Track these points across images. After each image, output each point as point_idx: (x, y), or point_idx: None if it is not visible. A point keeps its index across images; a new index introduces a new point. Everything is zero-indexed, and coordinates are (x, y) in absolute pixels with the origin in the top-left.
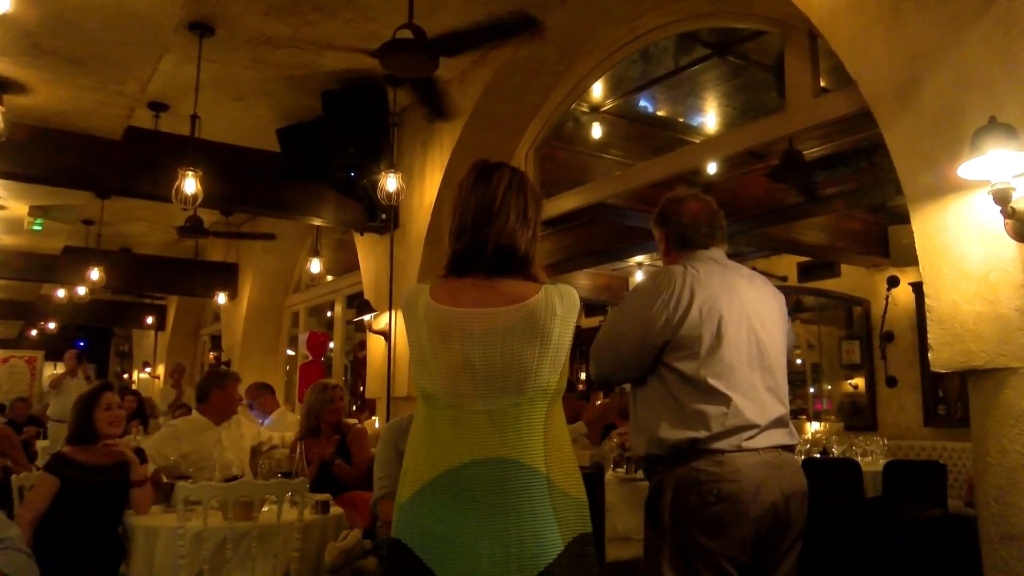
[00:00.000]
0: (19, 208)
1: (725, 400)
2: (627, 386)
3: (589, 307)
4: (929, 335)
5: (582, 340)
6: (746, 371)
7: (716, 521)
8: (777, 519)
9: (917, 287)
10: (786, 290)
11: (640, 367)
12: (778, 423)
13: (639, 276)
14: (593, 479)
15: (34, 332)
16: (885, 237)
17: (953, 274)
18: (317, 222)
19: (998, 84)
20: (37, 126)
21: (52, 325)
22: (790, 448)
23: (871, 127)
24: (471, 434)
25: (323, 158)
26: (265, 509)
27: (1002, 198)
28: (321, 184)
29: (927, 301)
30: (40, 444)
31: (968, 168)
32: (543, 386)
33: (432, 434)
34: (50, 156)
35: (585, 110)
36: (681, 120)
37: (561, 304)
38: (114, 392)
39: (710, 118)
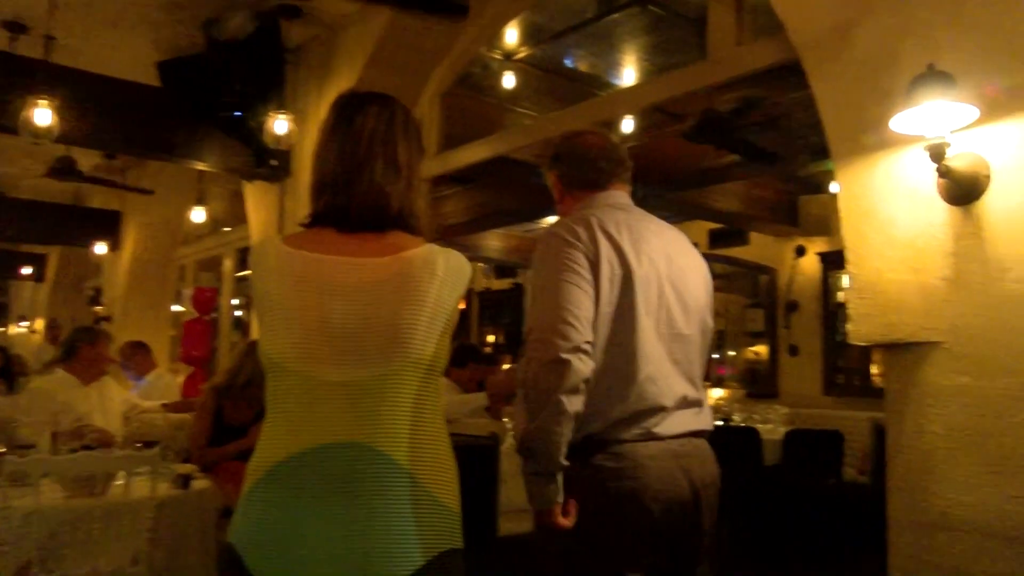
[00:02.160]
0: None
1: (629, 378)
2: None
3: (500, 269)
4: (848, 305)
5: (491, 303)
6: (654, 341)
7: (615, 525)
8: (685, 518)
9: (824, 257)
10: None
11: None
12: (685, 403)
13: None
14: (487, 451)
15: None
16: (795, 206)
17: (878, 239)
18: (201, 166)
19: (936, 30)
20: None
21: None
22: (702, 434)
23: (791, 88)
24: (322, 413)
25: (208, 96)
26: (120, 482)
27: (937, 154)
28: (206, 125)
29: (848, 268)
30: None
31: (902, 120)
32: (415, 356)
33: (277, 414)
34: None
35: (498, 57)
36: (599, 76)
37: (445, 265)
38: None
39: (629, 74)
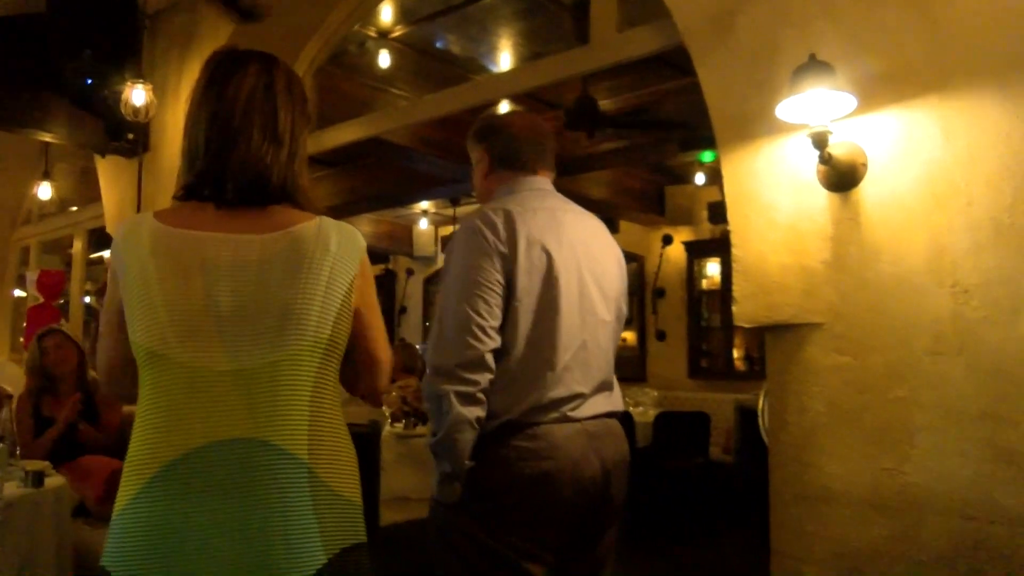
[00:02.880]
0: None
1: (549, 364)
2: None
3: (372, 255)
4: (734, 287)
5: None
6: (576, 329)
7: (529, 504)
8: (596, 495)
9: (689, 246)
10: None
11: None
12: (602, 387)
13: (423, 224)
14: (368, 439)
15: None
16: (662, 196)
17: (761, 223)
18: (45, 138)
19: (814, 21)
20: None
21: None
22: (613, 415)
23: (668, 78)
24: (212, 407)
25: (51, 61)
26: None
27: (820, 141)
28: (49, 93)
29: (733, 251)
30: None
31: (787, 108)
32: (311, 340)
33: (157, 410)
34: None
35: (372, 35)
36: (476, 59)
37: (339, 238)
38: None
39: (505, 59)
